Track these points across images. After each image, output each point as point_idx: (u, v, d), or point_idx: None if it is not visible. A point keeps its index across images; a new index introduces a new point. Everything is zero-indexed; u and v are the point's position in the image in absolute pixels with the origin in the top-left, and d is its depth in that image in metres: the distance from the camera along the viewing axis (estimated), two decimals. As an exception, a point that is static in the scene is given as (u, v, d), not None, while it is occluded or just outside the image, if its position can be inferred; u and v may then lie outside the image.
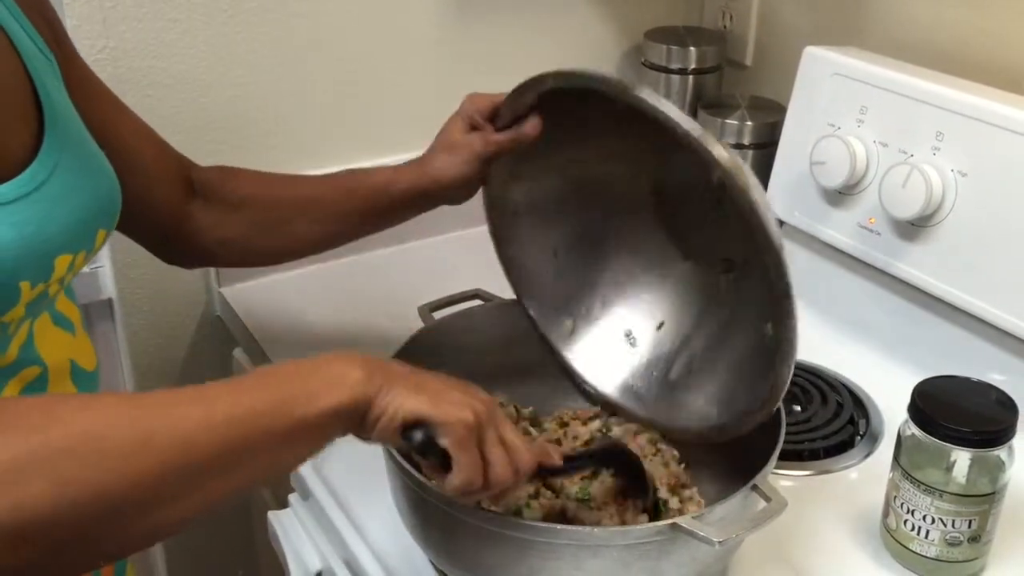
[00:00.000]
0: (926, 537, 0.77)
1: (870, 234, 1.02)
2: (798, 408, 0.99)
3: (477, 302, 0.91)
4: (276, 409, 0.56)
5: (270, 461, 0.58)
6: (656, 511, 0.78)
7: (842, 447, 0.94)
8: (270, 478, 0.58)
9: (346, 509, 0.84)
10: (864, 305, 1.08)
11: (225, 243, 0.89)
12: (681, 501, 0.80)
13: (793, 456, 0.91)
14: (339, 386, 0.58)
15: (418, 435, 0.61)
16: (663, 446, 0.85)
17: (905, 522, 0.78)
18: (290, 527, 0.89)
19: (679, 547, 0.66)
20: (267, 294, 1.16)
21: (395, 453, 0.69)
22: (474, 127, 0.85)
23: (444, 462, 0.62)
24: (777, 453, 0.71)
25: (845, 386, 1.02)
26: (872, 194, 1.01)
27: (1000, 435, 0.74)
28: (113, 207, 0.73)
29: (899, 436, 0.79)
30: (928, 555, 0.77)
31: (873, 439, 0.95)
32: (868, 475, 0.90)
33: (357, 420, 0.60)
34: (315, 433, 0.58)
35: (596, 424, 0.87)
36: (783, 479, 0.89)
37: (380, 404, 0.60)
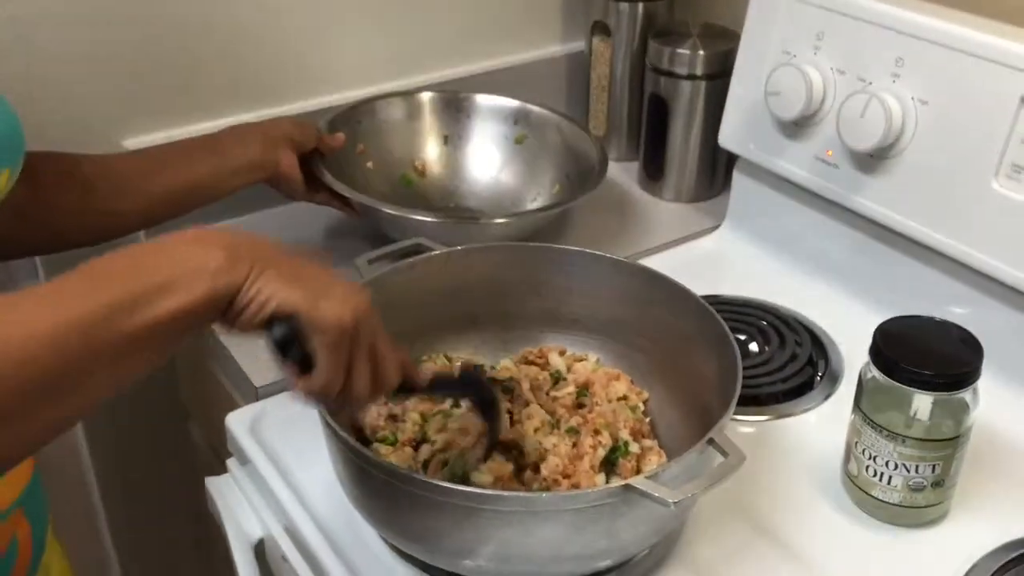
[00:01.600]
0: (888, 483, 0.74)
1: (828, 167, 0.98)
2: (755, 348, 0.96)
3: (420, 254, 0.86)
4: (116, 313, 0.49)
5: (115, 373, 0.51)
6: (614, 456, 0.75)
7: (801, 389, 0.91)
8: (123, 388, 0.52)
9: (285, 474, 0.80)
10: (822, 240, 1.05)
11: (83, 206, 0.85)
12: (642, 449, 0.77)
13: (751, 401, 0.88)
14: (196, 277, 0.51)
15: (279, 330, 0.55)
16: (632, 394, 0.82)
17: (867, 468, 0.75)
18: (228, 493, 0.84)
19: (633, 508, 0.62)
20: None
21: (331, 421, 0.64)
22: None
23: (303, 360, 0.56)
24: (733, 406, 0.68)
25: (803, 325, 0.99)
26: (830, 125, 0.96)
27: (964, 377, 0.71)
28: (17, 144, 0.69)
29: (860, 379, 0.76)
30: (891, 501, 0.75)
31: (833, 380, 0.92)
32: (828, 418, 0.87)
33: (218, 311, 0.53)
34: (168, 334, 0.51)
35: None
36: (741, 425, 0.86)
37: (247, 294, 0.53)
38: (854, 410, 0.76)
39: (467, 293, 0.86)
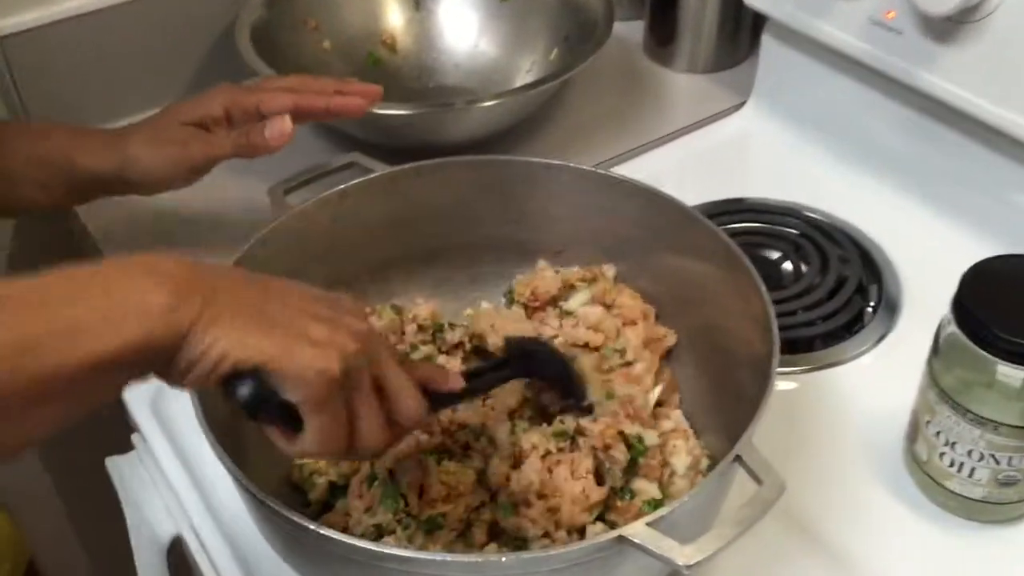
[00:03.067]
0: (970, 476, 0.57)
1: (887, 32, 0.76)
2: (788, 268, 0.77)
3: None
4: (17, 354, 0.38)
5: (13, 426, 0.39)
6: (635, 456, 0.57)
7: (850, 326, 0.72)
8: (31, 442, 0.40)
9: (189, 464, 0.63)
10: (874, 125, 0.84)
11: None
12: (661, 434, 0.59)
13: (786, 347, 0.69)
14: (126, 319, 0.40)
15: (245, 390, 0.42)
16: (632, 359, 0.63)
17: (941, 455, 0.57)
18: (133, 478, 0.67)
19: (629, 559, 0.45)
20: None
21: (223, 454, 0.47)
22: (203, 125, 0.69)
23: (286, 417, 0.44)
24: (766, 406, 0.49)
25: (849, 236, 0.79)
26: (891, -23, 0.74)
27: (1085, 347, 0.52)
28: None
29: (937, 337, 0.57)
30: (972, 497, 0.57)
31: (890, 310, 0.73)
32: (884, 365, 0.69)
33: (159, 362, 0.42)
34: (85, 385, 0.40)
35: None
36: (777, 379, 0.68)
37: (196, 346, 0.41)
38: (926, 376, 0.57)
39: (419, 223, 0.67)
